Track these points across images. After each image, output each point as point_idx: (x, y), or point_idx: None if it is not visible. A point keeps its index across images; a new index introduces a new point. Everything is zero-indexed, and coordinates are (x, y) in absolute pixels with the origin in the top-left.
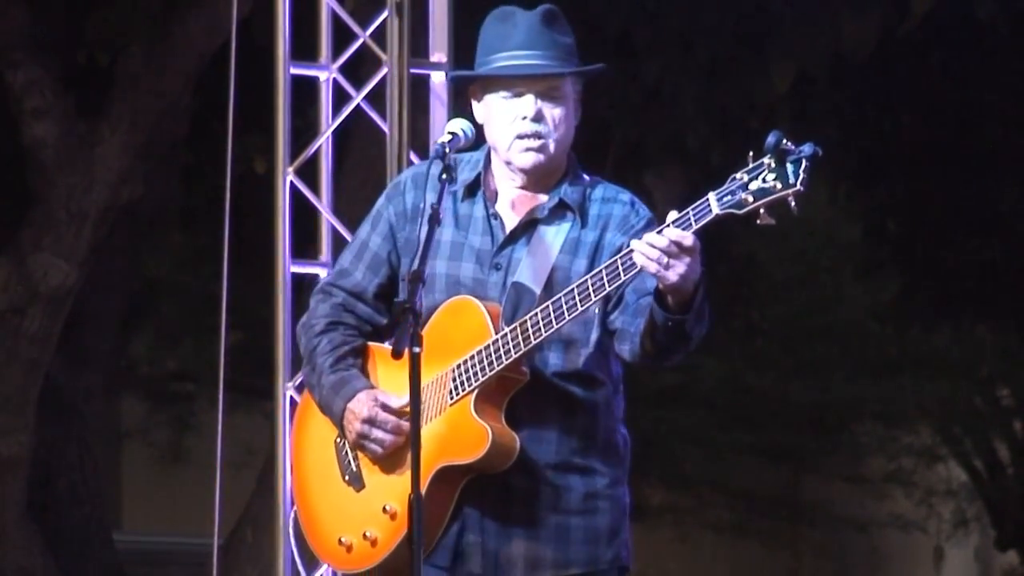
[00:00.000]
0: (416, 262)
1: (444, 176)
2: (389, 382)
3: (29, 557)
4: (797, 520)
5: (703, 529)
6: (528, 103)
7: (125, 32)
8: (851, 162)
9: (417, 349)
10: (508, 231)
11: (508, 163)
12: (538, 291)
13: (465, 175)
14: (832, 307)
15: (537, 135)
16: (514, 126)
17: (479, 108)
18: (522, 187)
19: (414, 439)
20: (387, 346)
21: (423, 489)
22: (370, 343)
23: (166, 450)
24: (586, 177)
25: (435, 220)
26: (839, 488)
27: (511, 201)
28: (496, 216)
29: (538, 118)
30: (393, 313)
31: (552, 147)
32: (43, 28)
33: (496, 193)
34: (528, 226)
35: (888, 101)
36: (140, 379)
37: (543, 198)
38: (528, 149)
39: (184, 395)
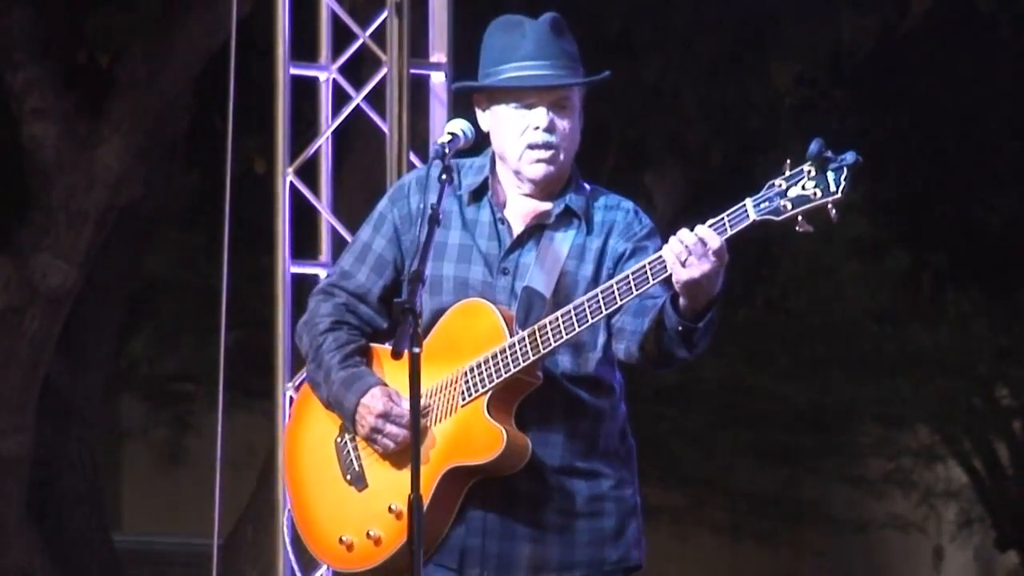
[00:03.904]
0: (415, 263)
1: (444, 177)
2: (393, 384)
3: (29, 557)
4: (796, 520)
5: (702, 529)
6: (540, 115)
7: (125, 32)
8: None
9: (417, 350)
10: (515, 236)
11: (517, 172)
12: (548, 296)
13: (470, 180)
14: (832, 307)
15: (548, 146)
16: (525, 137)
17: (484, 116)
18: (528, 194)
19: (414, 441)
20: (388, 347)
21: (431, 489)
22: (372, 344)
23: (166, 450)
24: (587, 186)
25: (434, 221)
26: (838, 488)
27: (516, 207)
28: (503, 221)
29: (550, 129)
30: (393, 314)
31: (562, 157)
32: (43, 28)
33: (502, 199)
34: (535, 231)
35: (888, 99)
36: (140, 379)
37: (548, 205)
38: (539, 160)
39: (184, 395)
